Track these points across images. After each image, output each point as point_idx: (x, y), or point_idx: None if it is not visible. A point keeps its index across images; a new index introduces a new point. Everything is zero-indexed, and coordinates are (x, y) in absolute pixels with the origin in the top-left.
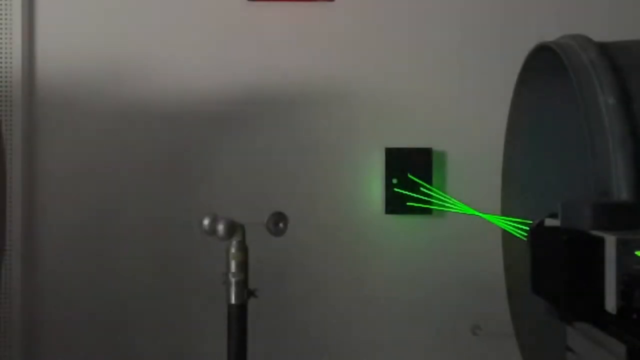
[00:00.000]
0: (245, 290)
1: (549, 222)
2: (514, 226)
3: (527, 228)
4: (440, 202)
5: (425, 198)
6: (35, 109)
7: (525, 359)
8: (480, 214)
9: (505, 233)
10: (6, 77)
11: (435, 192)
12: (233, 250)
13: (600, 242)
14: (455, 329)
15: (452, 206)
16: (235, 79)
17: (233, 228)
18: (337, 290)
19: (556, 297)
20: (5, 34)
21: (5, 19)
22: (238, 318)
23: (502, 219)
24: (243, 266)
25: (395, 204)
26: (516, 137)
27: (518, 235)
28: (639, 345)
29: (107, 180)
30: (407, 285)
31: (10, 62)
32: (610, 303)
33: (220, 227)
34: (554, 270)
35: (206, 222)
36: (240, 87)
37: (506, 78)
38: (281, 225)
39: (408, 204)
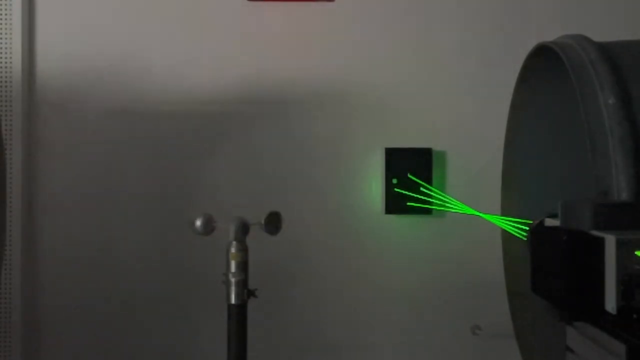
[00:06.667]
0: (245, 290)
1: (549, 222)
2: (514, 226)
3: (527, 228)
4: (440, 202)
5: (425, 198)
6: (35, 109)
7: (525, 359)
8: (480, 214)
9: (505, 233)
10: (6, 77)
11: (435, 192)
12: (233, 250)
13: (600, 242)
14: (455, 329)
15: (452, 206)
16: (234, 79)
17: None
18: (337, 290)
19: (556, 297)
20: (5, 34)
21: (5, 19)
22: (238, 318)
23: (502, 219)
24: (243, 266)
25: (395, 204)
26: (516, 137)
27: (518, 235)
28: (639, 345)
29: (106, 180)
30: (407, 285)
31: (10, 62)
32: (610, 303)
33: (199, 223)
34: (554, 270)
35: (199, 223)
36: (239, 87)
37: (506, 78)
38: (277, 224)
39: (408, 204)
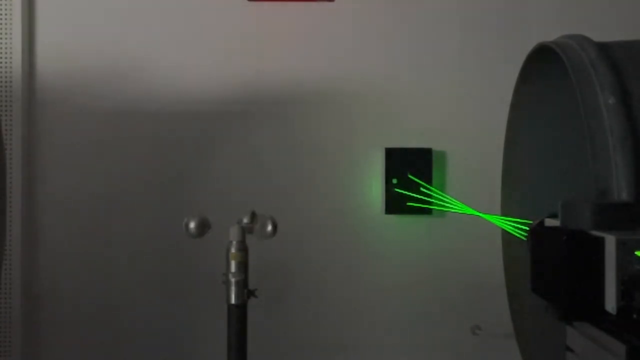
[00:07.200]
0: (245, 290)
1: (549, 222)
2: (514, 226)
3: (527, 228)
4: (440, 202)
5: (425, 198)
6: (35, 109)
7: (525, 359)
8: (480, 214)
9: (505, 233)
10: (6, 76)
11: (435, 192)
12: (233, 250)
13: (600, 242)
14: (455, 329)
15: (452, 206)
16: (235, 79)
17: (204, 226)
18: (337, 290)
19: (556, 297)
20: (5, 34)
21: (5, 19)
22: (238, 318)
23: (502, 219)
24: (243, 266)
25: (395, 204)
26: (516, 137)
27: (518, 235)
28: (639, 345)
29: (106, 180)
30: (407, 285)
31: (10, 62)
32: (610, 303)
33: (192, 225)
34: (554, 270)
35: (192, 225)
36: (239, 87)
37: (506, 78)
38: (269, 229)
39: (408, 204)
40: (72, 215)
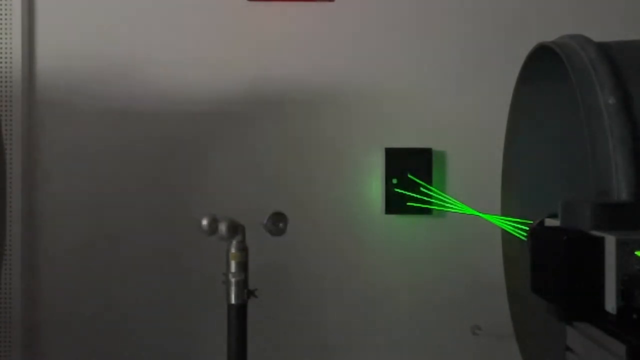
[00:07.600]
0: (245, 290)
1: (549, 222)
2: (514, 226)
3: (527, 228)
4: (440, 202)
5: (425, 198)
6: (35, 108)
7: (525, 359)
8: (480, 214)
9: (505, 233)
10: (6, 76)
11: (435, 192)
12: (233, 250)
13: (600, 242)
14: (455, 329)
15: (452, 206)
16: (234, 79)
17: (234, 228)
18: (337, 290)
19: (556, 297)
20: (5, 34)
21: (5, 19)
22: (238, 318)
23: (502, 219)
24: (243, 266)
25: (395, 204)
26: (516, 137)
27: (518, 235)
28: (639, 345)
29: (106, 180)
30: (406, 285)
31: (10, 62)
32: (610, 303)
33: (222, 228)
34: (554, 270)
35: (205, 222)
36: (239, 87)
37: (506, 78)
38: (281, 225)
39: (408, 204)
40: (73, 216)
